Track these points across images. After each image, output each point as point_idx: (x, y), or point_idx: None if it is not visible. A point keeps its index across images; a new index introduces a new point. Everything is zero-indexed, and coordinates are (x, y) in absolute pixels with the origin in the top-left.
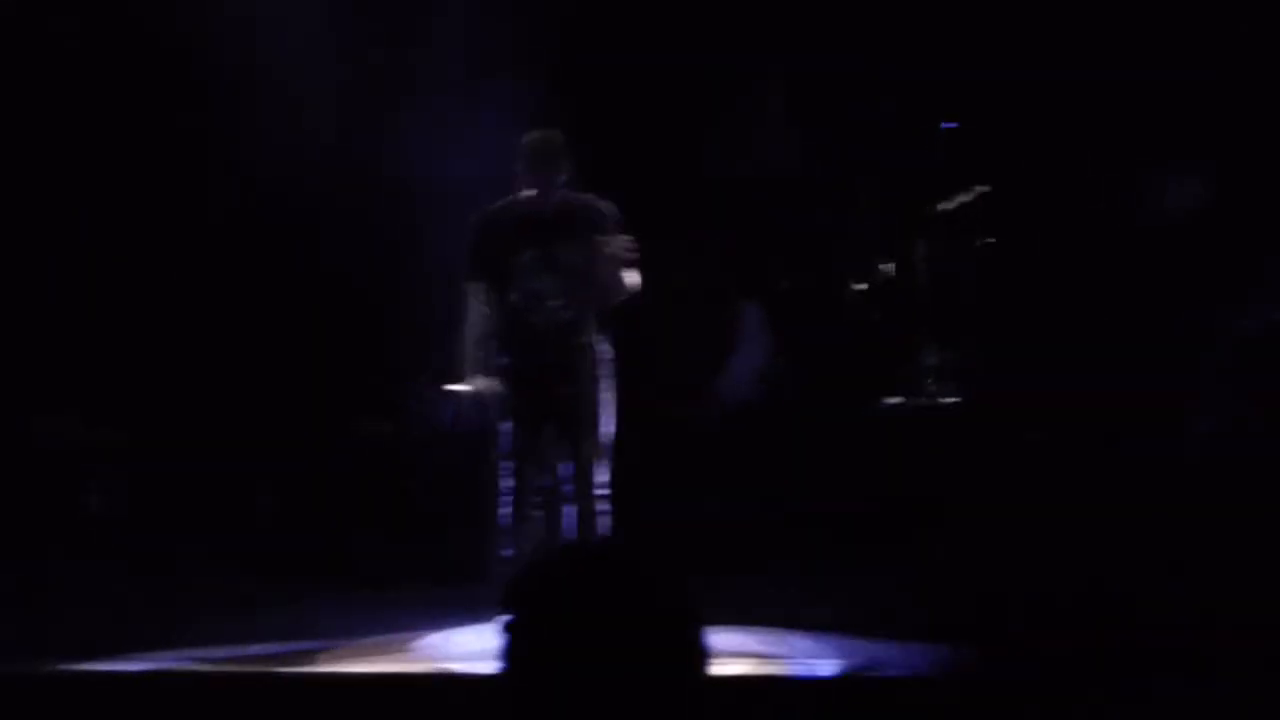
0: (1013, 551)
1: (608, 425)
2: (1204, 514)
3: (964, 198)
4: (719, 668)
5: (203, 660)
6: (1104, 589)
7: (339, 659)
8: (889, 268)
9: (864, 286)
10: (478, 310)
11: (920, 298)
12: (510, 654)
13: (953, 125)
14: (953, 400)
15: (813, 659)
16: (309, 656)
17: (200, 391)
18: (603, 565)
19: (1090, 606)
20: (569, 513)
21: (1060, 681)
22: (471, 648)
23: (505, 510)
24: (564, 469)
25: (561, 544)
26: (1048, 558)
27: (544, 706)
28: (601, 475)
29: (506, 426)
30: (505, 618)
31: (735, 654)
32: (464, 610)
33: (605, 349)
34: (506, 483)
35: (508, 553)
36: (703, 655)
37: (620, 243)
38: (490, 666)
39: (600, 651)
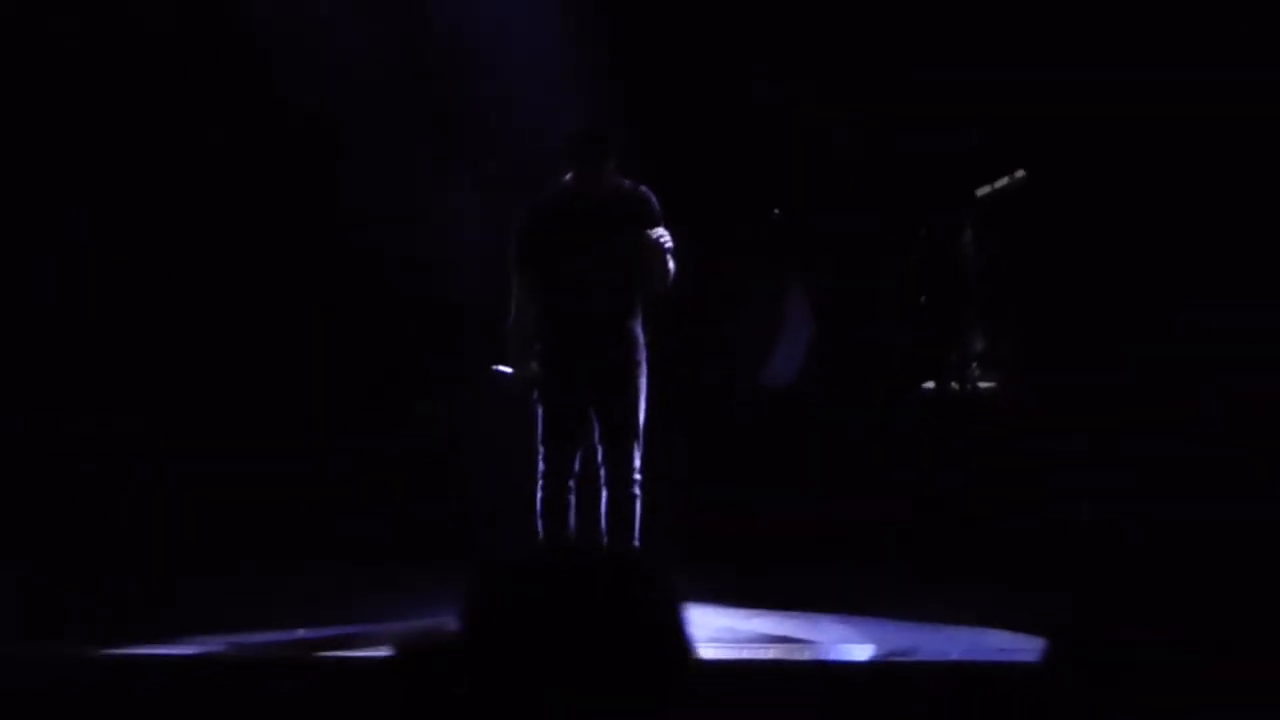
0: (1049, 539)
1: (643, 411)
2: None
3: (1004, 182)
4: (751, 652)
5: (246, 645)
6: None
7: (379, 642)
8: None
9: (908, 271)
10: (523, 296)
11: (965, 283)
12: (473, 656)
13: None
14: (990, 386)
15: (844, 643)
16: (350, 640)
17: (249, 374)
18: (569, 567)
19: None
20: (603, 498)
21: (1096, 668)
22: None
23: (540, 495)
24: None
25: (558, 533)
26: (1085, 547)
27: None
28: (634, 461)
29: (543, 411)
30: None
31: (767, 639)
32: None
33: (641, 335)
34: (541, 467)
35: (540, 537)
36: (682, 655)
37: (663, 232)
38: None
39: (567, 655)
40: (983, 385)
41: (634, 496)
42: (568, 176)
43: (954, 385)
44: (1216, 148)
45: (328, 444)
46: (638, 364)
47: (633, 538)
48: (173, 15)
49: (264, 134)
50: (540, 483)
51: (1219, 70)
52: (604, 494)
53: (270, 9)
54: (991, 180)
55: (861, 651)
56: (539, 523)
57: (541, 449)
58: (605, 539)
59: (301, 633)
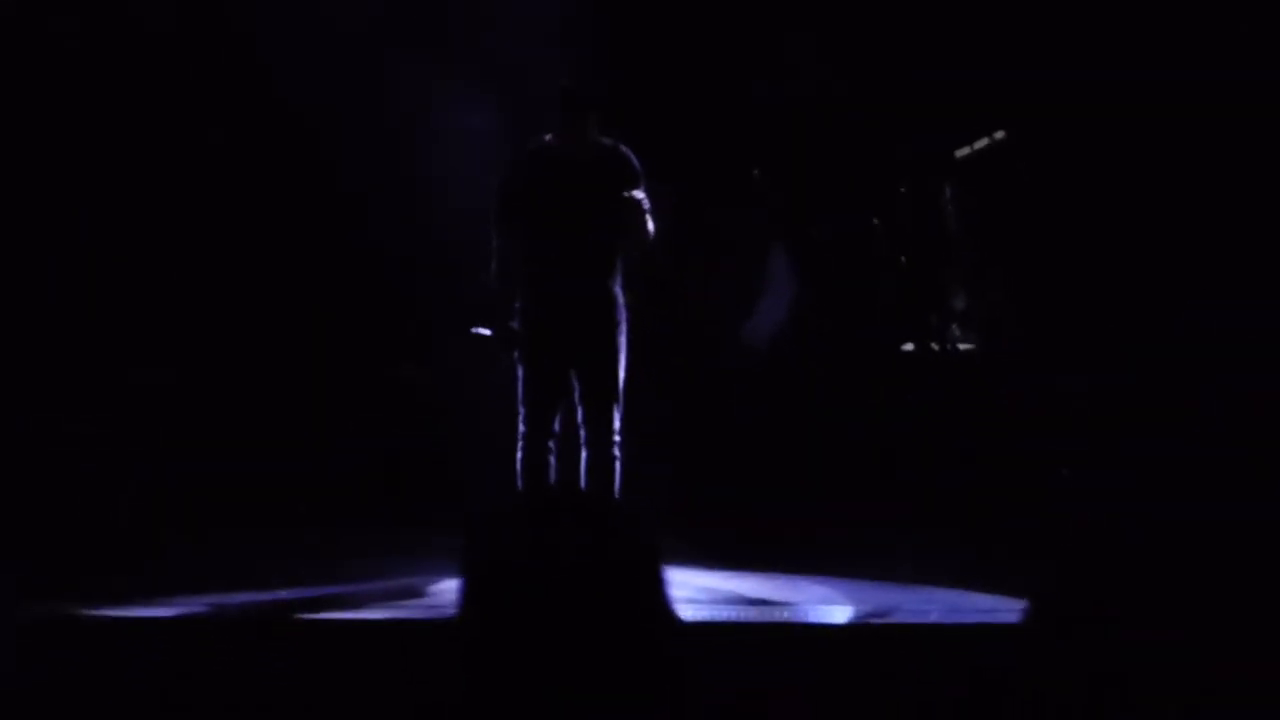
0: (1030, 500)
1: (622, 372)
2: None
3: (983, 143)
4: (730, 614)
5: (236, 606)
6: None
7: (364, 604)
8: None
9: (890, 231)
10: (503, 255)
11: (946, 243)
12: (467, 600)
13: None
14: (970, 347)
15: (824, 604)
16: (337, 602)
17: (233, 337)
18: (559, 510)
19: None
20: (583, 458)
21: (1074, 630)
22: None
23: (520, 455)
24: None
25: (519, 490)
26: (1062, 504)
27: (502, 652)
28: (614, 421)
29: (524, 372)
30: (463, 566)
31: (746, 600)
32: None
33: (621, 295)
34: (522, 428)
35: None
36: (665, 603)
37: (641, 193)
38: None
39: (557, 597)
40: (963, 346)
41: (614, 457)
42: (548, 135)
43: (934, 346)
44: (1195, 128)
45: (312, 410)
46: (618, 324)
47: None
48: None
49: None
50: (520, 443)
51: (1203, 66)
52: (584, 454)
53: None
54: (971, 141)
55: (841, 613)
56: (519, 482)
57: (522, 409)
58: None
59: (284, 594)
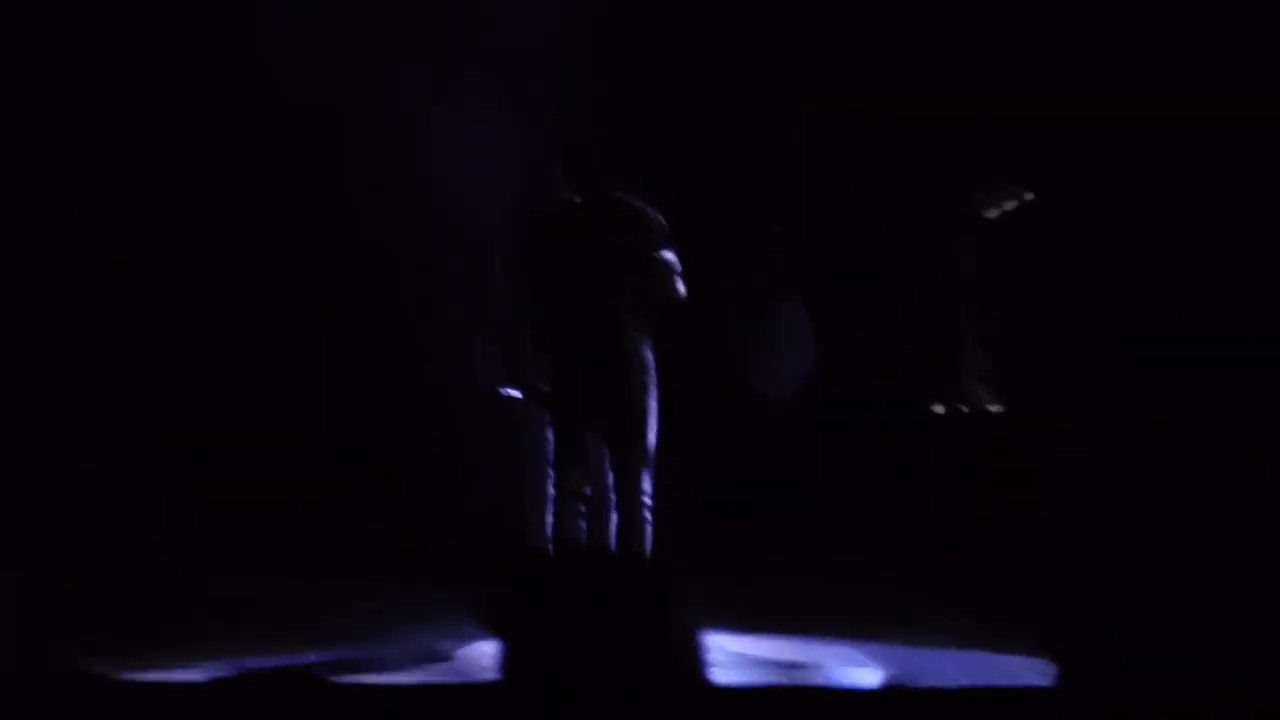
0: (1053, 559)
1: (650, 433)
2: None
3: (1010, 203)
4: (757, 677)
5: (249, 668)
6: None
7: (385, 668)
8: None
9: (911, 288)
10: (531, 317)
11: (967, 302)
12: (506, 662)
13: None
14: (997, 409)
15: (851, 667)
16: (355, 665)
17: (256, 387)
18: (597, 571)
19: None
20: (612, 520)
21: (1100, 692)
22: None
23: (550, 518)
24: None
25: (554, 550)
26: (1088, 566)
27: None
28: (644, 483)
29: (554, 434)
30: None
31: (774, 663)
32: None
33: (649, 356)
34: (550, 490)
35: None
36: (701, 662)
37: (671, 255)
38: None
39: (594, 657)
40: (989, 407)
41: (644, 519)
42: (567, 193)
43: (960, 407)
44: (1217, 156)
45: (336, 461)
46: (646, 385)
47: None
48: (173, 15)
49: (267, 135)
50: (551, 505)
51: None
52: (614, 516)
53: (271, 7)
54: (994, 198)
55: (868, 676)
56: (550, 546)
57: (552, 472)
58: None
59: (311, 655)
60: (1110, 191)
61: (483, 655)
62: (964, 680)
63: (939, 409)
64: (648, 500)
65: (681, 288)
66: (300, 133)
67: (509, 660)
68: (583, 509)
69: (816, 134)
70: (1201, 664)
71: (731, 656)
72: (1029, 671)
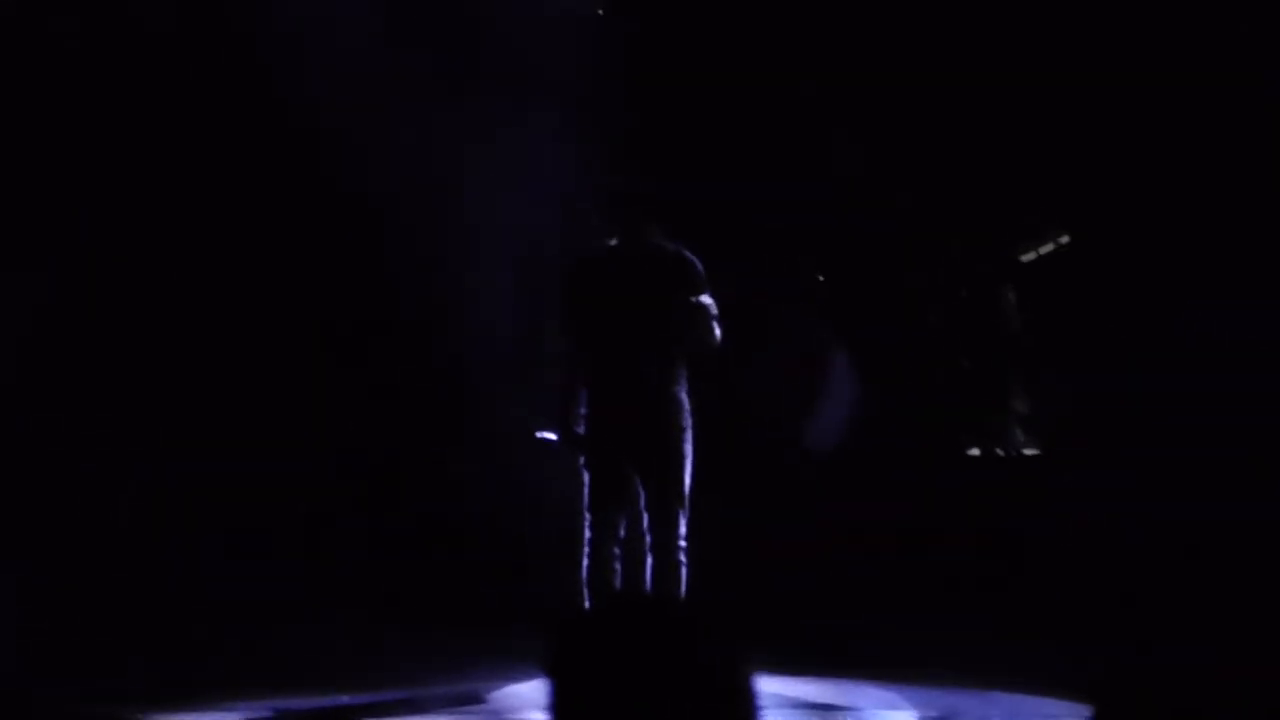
0: (1093, 602)
1: (688, 476)
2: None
3: (1048, 247)
4: (787, 718)
5: (284, 712)
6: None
7: (420, 709)
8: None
9: (952, 332)
10: (568, 361)
11: (1009, 346)
12: (557, 710)
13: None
14: (1035, 451)
15: (887, 709)
16: (390, 707)
17: (289, 422)
18: (647, 620)
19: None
20: (648, 565)
21: None
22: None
23: (585, 562)
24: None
25: (605, 597)
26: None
27: None
28: (680, 526)
29: (589, 477)
30: (550, 674)
31: (810, 705)
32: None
33: (686, 401)
34: (587, 533)
35: (586, 605)
36: (753, 709)
37: (708, 298)
38: None
39: (644, 708)
40: (1027, 450)
41: (679, 563)
42: (611, 240)
43: (998, 450)
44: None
45: (370, 505)
46: (683, 429)
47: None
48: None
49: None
50: (586, 549)
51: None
52: (649, 560)
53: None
54: (1034, 244)
55: (904, 717)
56: (585, 589)
57: (587, 515)
58: None
59: (345, 699)
60: (1149, 253)
61: (517, 698)
62: None
63: (976, 451)
64: (683, 543)
65: (719, 331)
66: (340, 172)
67: (553, 706)
68: (617, 552)
69: (858, 182)
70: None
71: (769, 699)
72: (1067, 714)
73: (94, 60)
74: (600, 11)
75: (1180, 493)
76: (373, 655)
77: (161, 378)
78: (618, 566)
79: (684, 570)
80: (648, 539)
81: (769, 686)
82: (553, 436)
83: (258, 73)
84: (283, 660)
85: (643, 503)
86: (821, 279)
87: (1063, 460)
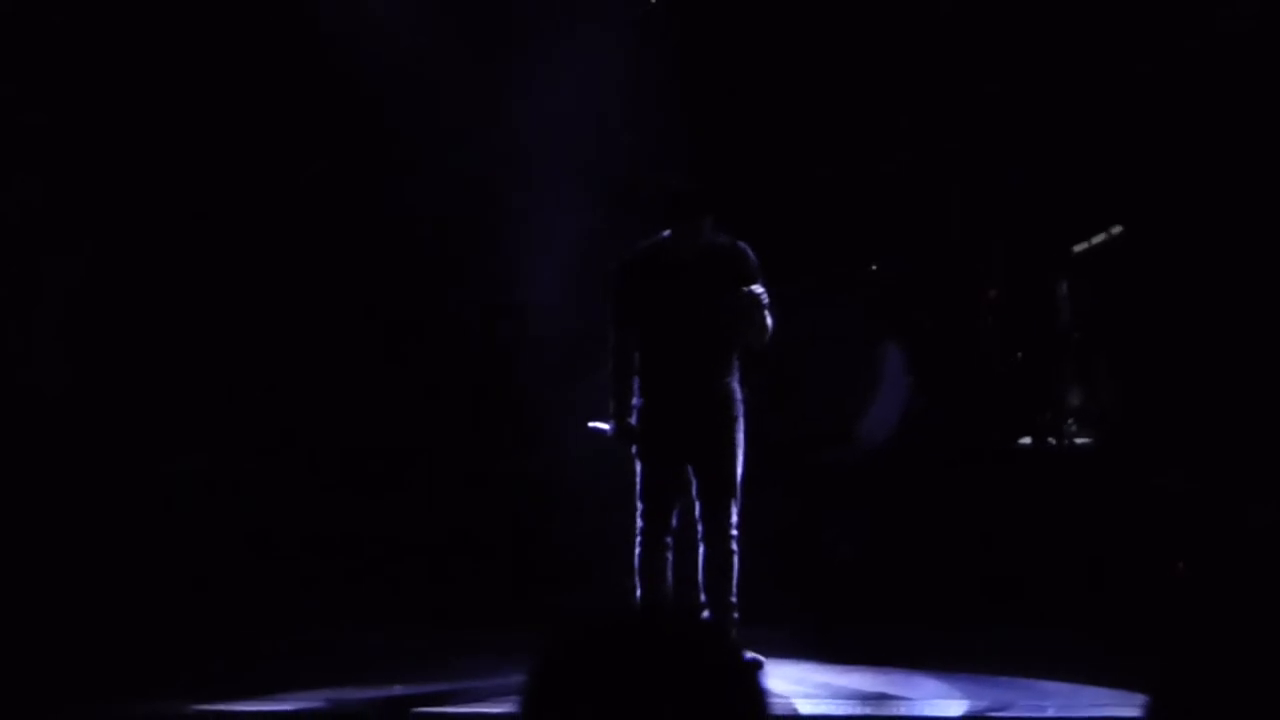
0: (1147, 594)
1: (740, 467)
2: None
3: (1101, 238)
4: (846, 708)
5: (336, 702)
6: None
7: (474, 699)
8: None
9: (1005, 325)
10: (620, 352)
11: (1061, 338)
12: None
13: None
14: (1087, 442)
15: (939, 699)
16: (443, 698)
17: (340, 429)
18: (634, 637)
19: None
20: (700, 553)
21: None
22: None
23: (638, 552)
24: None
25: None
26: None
27: None
28: (732, 517)
29: (641, 468)
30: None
31: (862, 695)
32: None
33: (738, 391)
34: (640, 524)
35: (638, 594)
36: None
37: (760, 288)
38: None
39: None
40: (1079, 441)
41: (731, 551)
42: (665, 233)
43: (1051, 441)
44: None
45: (424, 498)
46: (734, 420)
47: (731, 593)
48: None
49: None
50: (639, 539)
51: None
52: (701, 550)
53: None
54: (1087, 235)
55: (956, 707)
56: (637, 579)
57: (640, 505)
58: (703, 595)
59: (398, 689)
60: (1204, 242)
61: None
62: (1052, 711)
63: (1027, 442)
64: (735, 532)
65: (771, 323)
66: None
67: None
68: (669, 541)
69: (912, 176)
70: None
71: (820, 688)
72: (1120, 704)
73: (130, 44)
74: (652, 1)
75: (1234, 488)
76: (419, 652)
77: (198, 376)
78: (670, 556)
79: (736, 559)
80: (700, 528)
81: (821, 676)
82: (605, 427)
83: (302, 61)
84: (331, 657)
85: (695, 492)
86: (875, 268)
87: (1115, 454)
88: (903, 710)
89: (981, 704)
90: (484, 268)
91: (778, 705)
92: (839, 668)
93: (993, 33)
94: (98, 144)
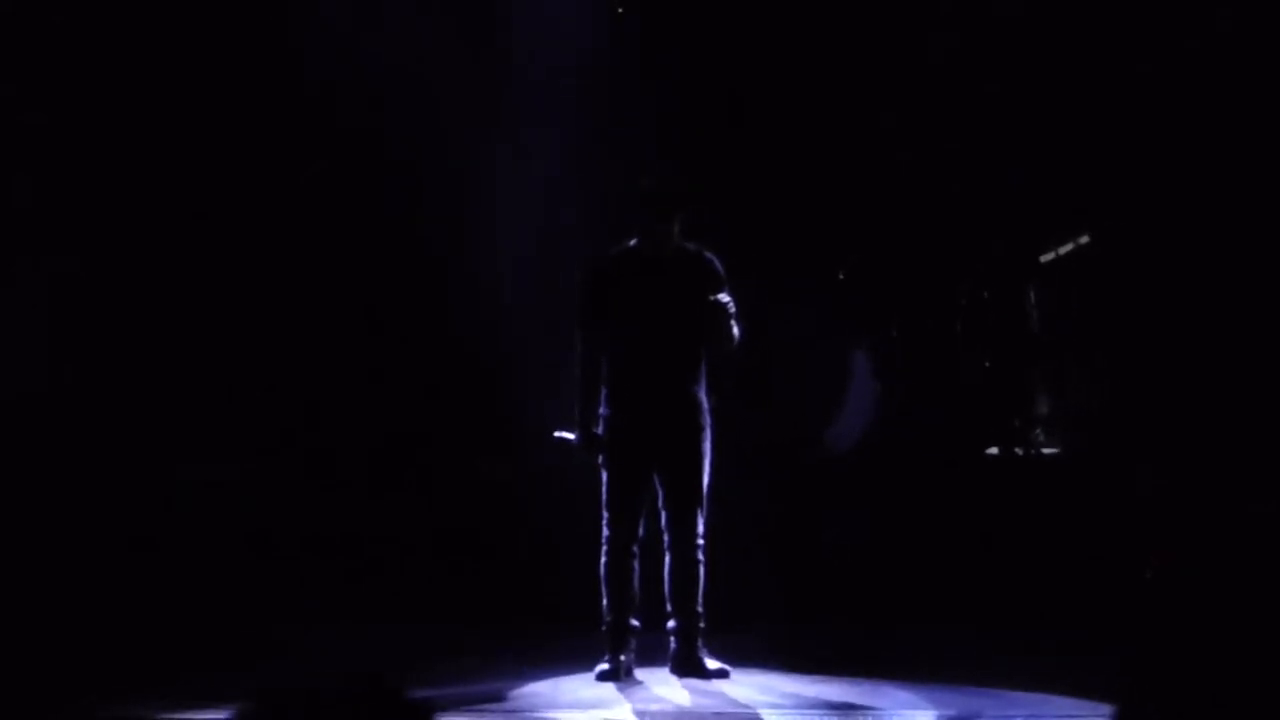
0: (1113, 602)
1: (706, 475)
2: None
3: (1068, 247)
4: (817, 718)
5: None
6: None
7: (446, 708)
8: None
9: (973, 333)
10: (587, 358)
11: (1029, 346)
12: None
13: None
14: (1054, 450)
15: (907, 709)
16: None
17: (327, 435)
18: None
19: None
20: (666, 562)
21: None
22: (577, 697)
23: (604, 560)
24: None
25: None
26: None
27: None
28: (699, 525)
29: (608, 476)
30: None
31: (830, 705)
32: (573, 657)
33: (706, 400)
34: (606, 532)
35: (604, 603)
36: None
37: (726, 296)
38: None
39: None
40: (1046, 450)
41: (698, 561)
42: (631, 240)
43: (1018, 450)
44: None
45: (395, 505)
46: (701, 428)
47: (697, 601)
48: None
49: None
50: (605, 547)
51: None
52: (668, 558)
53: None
54: (1055, 245)
55: (924, 717)
56: (604, 587)
57: (606, 514)
58: (669, 603)
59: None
60: (1173, 252)
61: (537, 696)
62: None
63: (994, 451)
64: (701, 542)
65: (738, 331)
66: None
67: None
68: (635, 550)
69: (885, 179)
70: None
71: (786, 697)
72: (1088, 714)
73: (130, 43)
74: (620, 10)
75: (1203, 491)
76: (398, 655)
77: (197, 376)
78: (636, 565)
79: (702, 568)
80: (666, 538)
81: (790, 686)
82: (571, 436)
83: (301, 60)
84: (324, 654)
85: (661, 501)
86: (842, 277)
87: (1083, 460)
88: None
89: (949, 713)
90: (455, 268)
91: (744, 715)
92: (806, 677)
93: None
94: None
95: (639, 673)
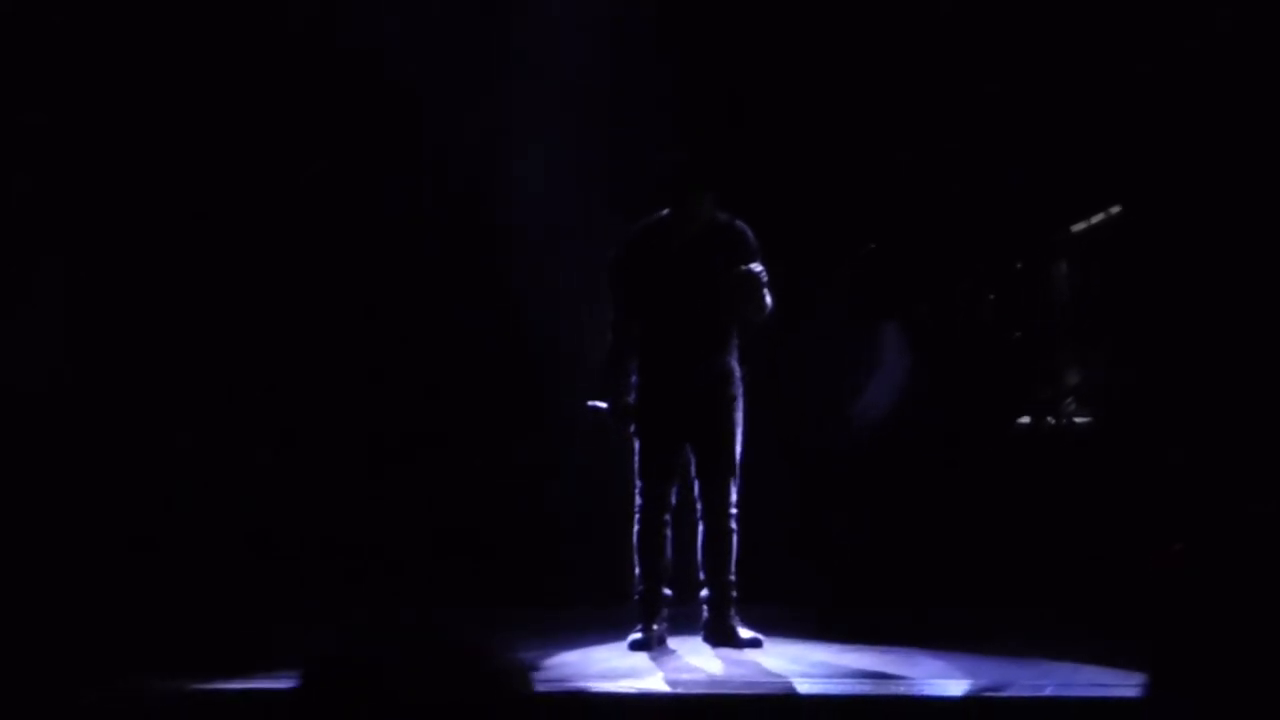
0: (1145, 574)
1: (739, 445)
2: None
3: (1098, 217)
4: (846, 687)
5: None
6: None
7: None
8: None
9: (1002, 306)
10: (619, 330)
11: (1060, 317)
12: None
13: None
14: (1085, 420)
15: (939, 678)
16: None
17: (356, 411)
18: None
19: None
20: (700, 532)
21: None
22: (609, 666)
23: (637, 530)
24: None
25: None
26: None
27: None
28: (731, 494)
29: (640, 446)
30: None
31: (862, 674)
32: (604, 628)
33: (738, 369)
34: (638, 501)
35: (637, 572)
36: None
37: (758, 265)
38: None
39: None
40: (1078, 420)
41: (730, 530)
42: (665, 210)
43: (1049, 420)
44: None
45: (424, 480)
46: (733, 398)
47: (729, 571)
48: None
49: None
50: (637, 517)
51: None
52: (700, 528)
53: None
54: (1086, 215)
55: (956, 687)
56: (636, 556)
57: (638, 483)
58: (702, 573)
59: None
60: (1205, 222)
61: (570, 666)
62: (1051, 690)
63: (1025, 421)
64: (734, 510)
65: (769, 299)
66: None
67: None
68: (668, 519)
69: (911, 155)
70: None
71: (818, 667)
72: (1120, 683)
73: (129, 43)
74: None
75: (1232, 471)
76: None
77: (216, 366)
78: (669, 534)
79: (735, 538)
80: (699, 507)
81: (820, 655)
82: (603, 405)
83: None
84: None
85: (693, 471)
86: (873, 247)
87: (1115, 432)
88: (902, 689)
89: (981, 682)
90: (482, 263)
91: (776, 684)
92: (839, 646)
93: (992, 32)
94: (97, 144)
95: (672, 642)
